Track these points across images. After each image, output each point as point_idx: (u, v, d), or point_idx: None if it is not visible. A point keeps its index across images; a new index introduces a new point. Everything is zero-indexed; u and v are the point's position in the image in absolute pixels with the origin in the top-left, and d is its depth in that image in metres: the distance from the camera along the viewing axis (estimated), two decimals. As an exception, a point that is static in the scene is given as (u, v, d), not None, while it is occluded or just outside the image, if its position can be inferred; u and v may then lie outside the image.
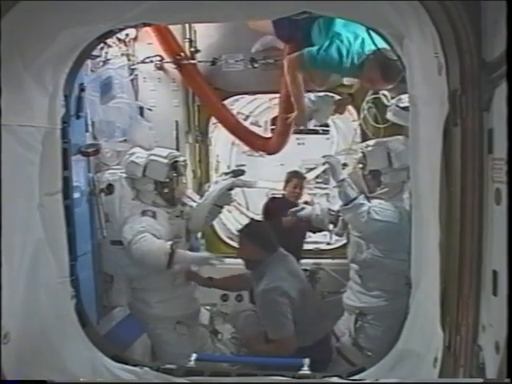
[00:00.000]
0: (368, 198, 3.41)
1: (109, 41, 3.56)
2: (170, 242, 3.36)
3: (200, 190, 4.58)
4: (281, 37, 3.84)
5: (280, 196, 4.59)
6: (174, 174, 3.63)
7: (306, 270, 4.08)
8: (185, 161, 3.83)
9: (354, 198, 3.31)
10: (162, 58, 4.32)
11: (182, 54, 4.31)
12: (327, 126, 5.35)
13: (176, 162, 3.64)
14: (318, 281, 4.44)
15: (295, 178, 4.44)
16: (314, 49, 3.35)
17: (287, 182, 4.46)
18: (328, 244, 4.83)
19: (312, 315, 3.32)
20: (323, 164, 3.75)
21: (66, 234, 2.56)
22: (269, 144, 4.53)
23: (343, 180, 3.38)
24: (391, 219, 3.25)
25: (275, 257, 3.33)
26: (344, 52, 3.25)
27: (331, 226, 3.95)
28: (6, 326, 1.98)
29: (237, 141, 4.92)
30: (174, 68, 4.36)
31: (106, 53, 3.72)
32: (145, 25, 3.20)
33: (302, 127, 4.06)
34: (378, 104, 3.99)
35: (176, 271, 3.56)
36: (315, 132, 5.49)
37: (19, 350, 2.10)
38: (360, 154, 3.59)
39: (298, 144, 5.45)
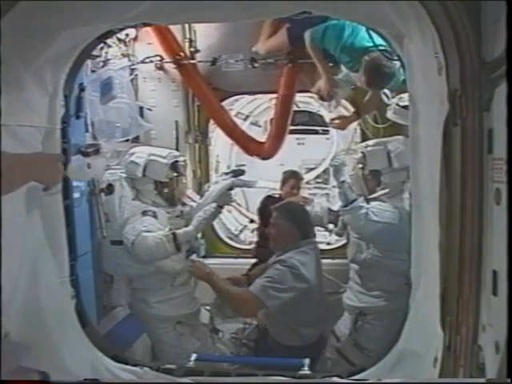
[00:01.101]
0: (368, 200, 3.40)
1: (109, 41, 3.56)
2: (167, 229, 3.42)
3: (200, 190, 4.59)
4: (295, 44, 3.85)
5: (276, 196, 4.57)
6: (174, 174, 3.64)
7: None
8: (185, 161, 3.84)
9: (354, 200, 3.31)
10: (162, 58, 4.32)
11: (182, 54, 4.31)
12: (327, 126, 5.35)
13: (176, 161, 3.65)
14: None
15: (291, 178, 4.42)
16: (322, 25, 3.48)
17: (284, 182, 4.45)
18: (328, 244, 4.83)
19: (312, 317, 3.20)
20: (330, 165, 3.73)
21: (65, 234, 2.56)
22: (263, 148, 4.53)
23: (344, 182, 3.38)
24: (390, 220, 3.25)
25: (306, 242, 3.26)
26: (349, 29, 3.30)
27: (331, 226, 3.94)
28: (6, 326, 1.98)
29: (236, 141, 4.93)
30: (174, 68, 4.36)
31: (106, 53, 3.72)
32: (145, 25, 3.20)
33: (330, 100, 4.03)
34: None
35: (176, 271, 3.57)
36: (315, 132, 5.49)
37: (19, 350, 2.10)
38: (360, 154, 3.59)
39: (298, 144, 5.47)
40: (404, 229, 2.87)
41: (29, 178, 1.94)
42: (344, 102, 4.49)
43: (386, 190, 3.43)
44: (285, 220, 3.26)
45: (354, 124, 4.49)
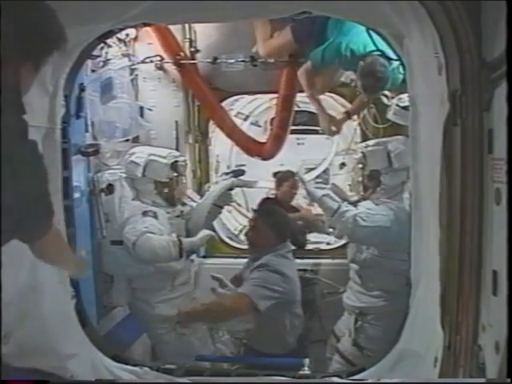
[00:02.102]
0: (354, 204, 3.39)
1: (109, 41, 3.56)
2: (174, 234, 3.46)
3: (200, 190, 4.59)
4: (302, 43, 3.84)
5: (273, 197, 4.56)
6: (174, 174, 3.64)
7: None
8: (185, 161, 3.84)
9: (338, 208, 3.29)
10: (162, 58, 4.32)
11: (182, 54, 4.31)
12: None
13: (176, 162, 3.65)
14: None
15: (289, 178, 4.40)
16: (319, 48, 3.47)
17: (280, 182, 4.43)
18: (328, 244, 4.83)
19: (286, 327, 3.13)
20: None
21: (66, 234, 2.56)
22: (264, 149, 4.52)
23: (322, 196, 3.33)
24: (381, 223, 3.19)
25: (283, 247, 3.24)
26: (345, 41, 3.30)
27: (330, 230, 3.94)
28: (6, 327, 1.98)
29: (237, 141, 4.92)
30: (174, 68, 4.36)
31: (106, 53, 3.72)
32: (145, 25, 3.20)
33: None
34: (377, 104, 3.99)
35: (176, 271, 3.57)
36: (315, 132, 5.49)
37: (19, 350, 2.10)
38: (360, 154, 3.59)
39: (298, 144, 5.46)
40: (401, 230, 2.86)
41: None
42: (334, 103, 4.51)
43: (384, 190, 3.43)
44: (263, 222, 3.26)
45: (355, 124, 4.50)
